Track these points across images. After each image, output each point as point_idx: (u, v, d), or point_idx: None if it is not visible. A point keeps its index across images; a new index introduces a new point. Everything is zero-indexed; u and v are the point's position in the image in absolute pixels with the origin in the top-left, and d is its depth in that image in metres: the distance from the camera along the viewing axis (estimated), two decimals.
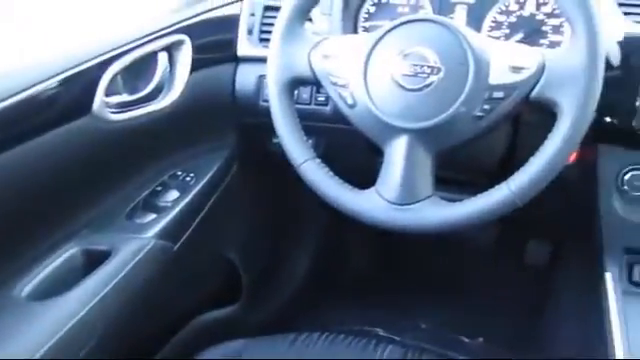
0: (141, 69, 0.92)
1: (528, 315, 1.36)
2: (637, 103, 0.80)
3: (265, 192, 1.28)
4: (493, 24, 0.94)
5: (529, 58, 0.70)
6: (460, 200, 0.73)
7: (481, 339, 1.36)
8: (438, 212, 0.74)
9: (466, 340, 1.37)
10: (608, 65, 0.78)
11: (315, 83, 0.81)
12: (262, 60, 0.85)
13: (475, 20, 0.94)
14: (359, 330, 1.13)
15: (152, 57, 0.93)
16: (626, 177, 0.86)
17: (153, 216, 0.94)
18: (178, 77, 0.96)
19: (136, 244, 0.89)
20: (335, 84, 0.77)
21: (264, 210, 1.32)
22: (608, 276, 0.91)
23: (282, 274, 1.42)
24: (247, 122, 1.06)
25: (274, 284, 1.40)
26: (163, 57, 0.95)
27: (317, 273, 1.48)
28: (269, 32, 0.84)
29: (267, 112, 0.82)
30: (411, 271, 1.53)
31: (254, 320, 1.31)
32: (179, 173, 1.03)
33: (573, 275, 1.23)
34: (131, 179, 0.96)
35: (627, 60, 0.80)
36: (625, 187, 0.86)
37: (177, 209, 0.97)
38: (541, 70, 0.69)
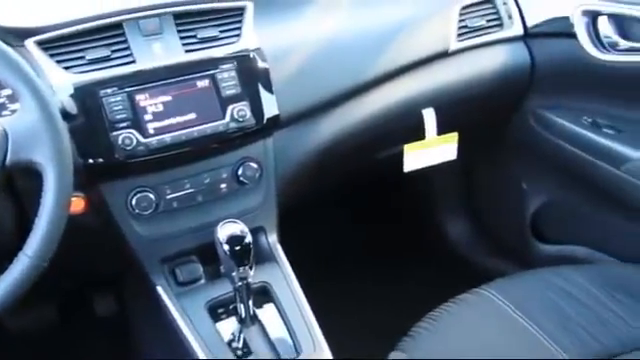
0: None
1: None
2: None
3: None
4: None
5: None
6: None
7: None
8: None
9: None
10: (69, 115, 0.86)
11: None
12: None
13: None
14: None
15: None
16: (133, 201, 0.95)
17: None
18: None
19: None
20: None
21: None
22: (160, 289, 1.01)
23: None
24: None
25: None
26: None
27: None
28: None
29: None
30: None
31: None
32: None
33: (143, 310, 1.30)
34: None
35: (84, 105, 0.88)
36: (136, 210, 0.95)
37: None
38: (5, 137, 0.72)
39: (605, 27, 1.19)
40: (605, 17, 1.19)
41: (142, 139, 0.91)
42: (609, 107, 1.24)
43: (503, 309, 0.98)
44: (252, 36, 1.00)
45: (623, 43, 1.18)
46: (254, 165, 1.02)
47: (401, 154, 1.28)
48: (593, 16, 1.20)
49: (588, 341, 0.93)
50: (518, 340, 0.94)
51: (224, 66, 0.96)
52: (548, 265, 1.11)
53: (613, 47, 1.19)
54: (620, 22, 1.19)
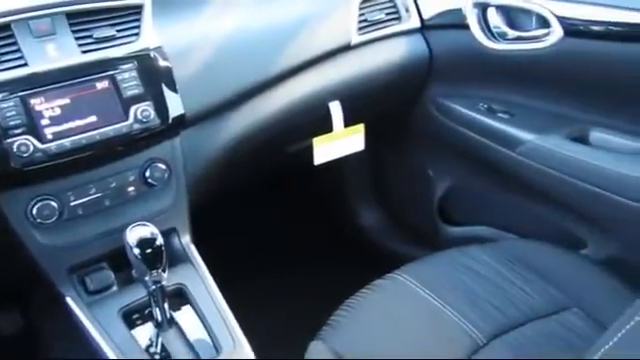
0: None
1: None
2: None
3: None
4: None
5: None
6: None
7: None
8: None
9: None
10: None
11: None
12: None
13: None
14: None
15: None
16: (34, 211, 0.91)
17: None
18: None
19: None
20: None
21: None
22: (70, 300, 0.97)
23: None
24: None
25: None
26: None
27: None
28: None
29: None
30: None
31: None
32: None
33: (53, 324, 1.24)
34: None
35: None
36: (38, 220, 0.91)
37: None
38: None
39: (494, 18, 1.26)
40: (494, 8, 1.26)
41: (40, 145, 0.87)
42: (502, 93, 1.31)
43: (415, 291, 1.02)
44: (152, 35, 0.98)
45: (511, 33, 1.26)
46: (162, 166, 1.00)
47: (311, 147, 1.30)
48: (483, 8, 1.26)
49: (494, 314, 0.98)
50: (430, 319, 0.98)
51: (124, 66, 0.94)
52: (457, 246, 1.16)
53: (503, 37, 1.26)
54: (507, 13, 1.26)
